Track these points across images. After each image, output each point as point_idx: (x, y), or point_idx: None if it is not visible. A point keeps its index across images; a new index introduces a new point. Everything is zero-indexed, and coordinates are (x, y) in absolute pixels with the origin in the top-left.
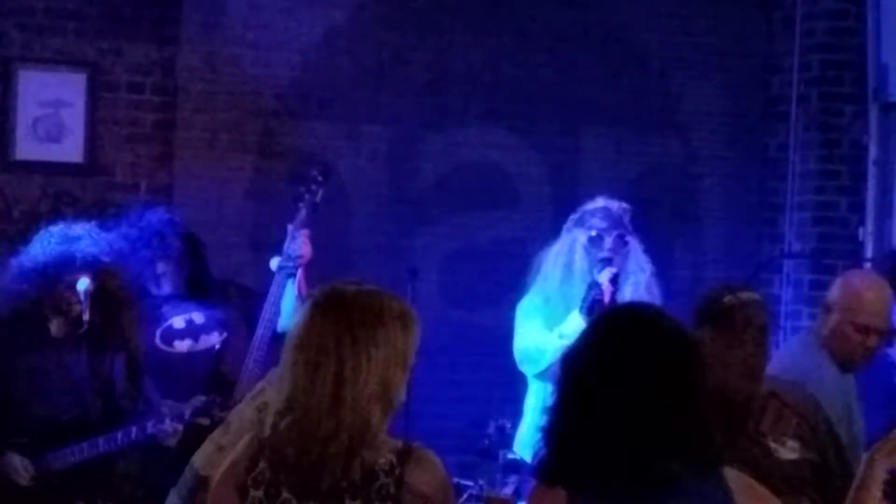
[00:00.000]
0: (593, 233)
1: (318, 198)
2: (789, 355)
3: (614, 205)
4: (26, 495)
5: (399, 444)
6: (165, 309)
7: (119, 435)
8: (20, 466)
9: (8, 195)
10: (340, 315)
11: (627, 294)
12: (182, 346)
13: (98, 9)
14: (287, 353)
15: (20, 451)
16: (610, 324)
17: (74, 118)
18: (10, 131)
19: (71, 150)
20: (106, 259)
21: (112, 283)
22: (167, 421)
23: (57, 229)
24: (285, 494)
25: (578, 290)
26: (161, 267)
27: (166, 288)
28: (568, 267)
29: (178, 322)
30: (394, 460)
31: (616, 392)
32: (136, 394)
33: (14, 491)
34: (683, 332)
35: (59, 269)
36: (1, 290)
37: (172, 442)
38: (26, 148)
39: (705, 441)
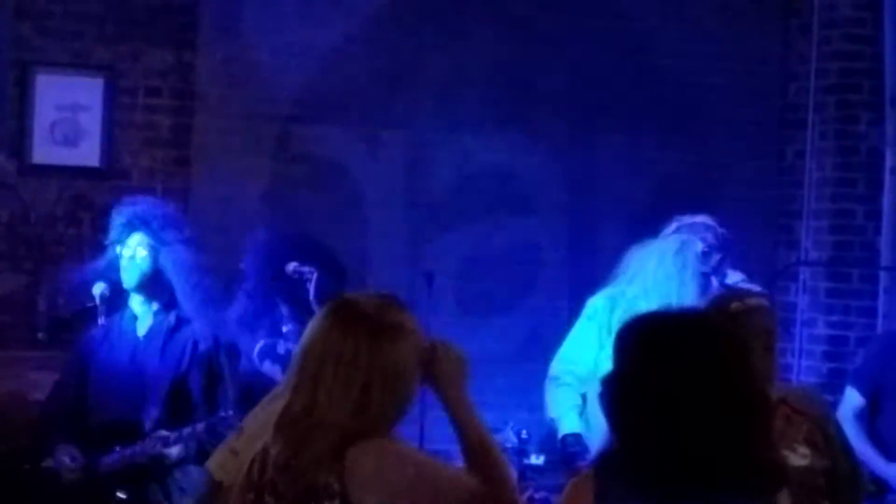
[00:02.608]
0: (703, 247)
1: None
2: None
3: (718, 228)
4: (75, 487)
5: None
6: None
7: (137, 448)
8: (65, 456)
9: (25, 198)
10: (346, 324)
11: None
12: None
13: (116, 13)
14: (305, 362)
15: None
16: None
17: (92, 122)
18: (27, 135)
19: (88, 153)
20: (156, 221)
21: (167, 253)
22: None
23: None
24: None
25: (685, 289)
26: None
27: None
28: (683, 267)
29: (281, 347)
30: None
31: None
32: (209, 402)
33: (62, 483)
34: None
35: (113, 229)
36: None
37: (168, 463)
38: (44, 151)
39: (767, 463)
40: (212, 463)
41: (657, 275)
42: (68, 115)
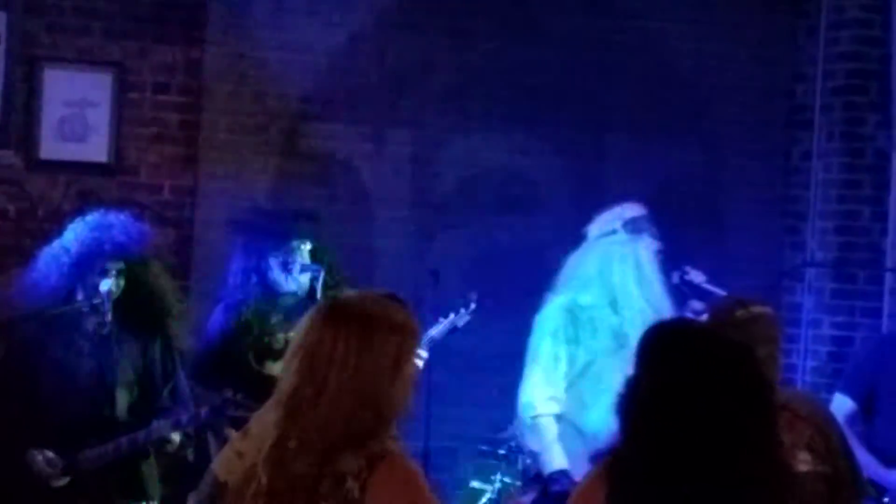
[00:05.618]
0: (657, 244)
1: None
2: None
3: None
4: (59, 496)
5: (376, 449)
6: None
7: (140, 435)
8: (44, 463)
9: (33, 194)
10: (337, 321)
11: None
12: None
13: (125, 10)
14: (286, 358)
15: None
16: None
17: (100, 118)
18: (35, 130)
19: (96, 149)
20: (136, 248)
21: (144, 273)
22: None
23: (90, 217)
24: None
25: (655, 292)
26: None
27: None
28: (639, 271)
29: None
30: (363, 464)
31: (688, 414)
32: (169, 390)
33: (45, 491)
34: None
35: (91, 257)
36: (33, 283)
37: (170, 448)
38: (51, 147)
39: (774, 463)
40: (217, 463)
41: (624, 282)
42: (76, 111)
